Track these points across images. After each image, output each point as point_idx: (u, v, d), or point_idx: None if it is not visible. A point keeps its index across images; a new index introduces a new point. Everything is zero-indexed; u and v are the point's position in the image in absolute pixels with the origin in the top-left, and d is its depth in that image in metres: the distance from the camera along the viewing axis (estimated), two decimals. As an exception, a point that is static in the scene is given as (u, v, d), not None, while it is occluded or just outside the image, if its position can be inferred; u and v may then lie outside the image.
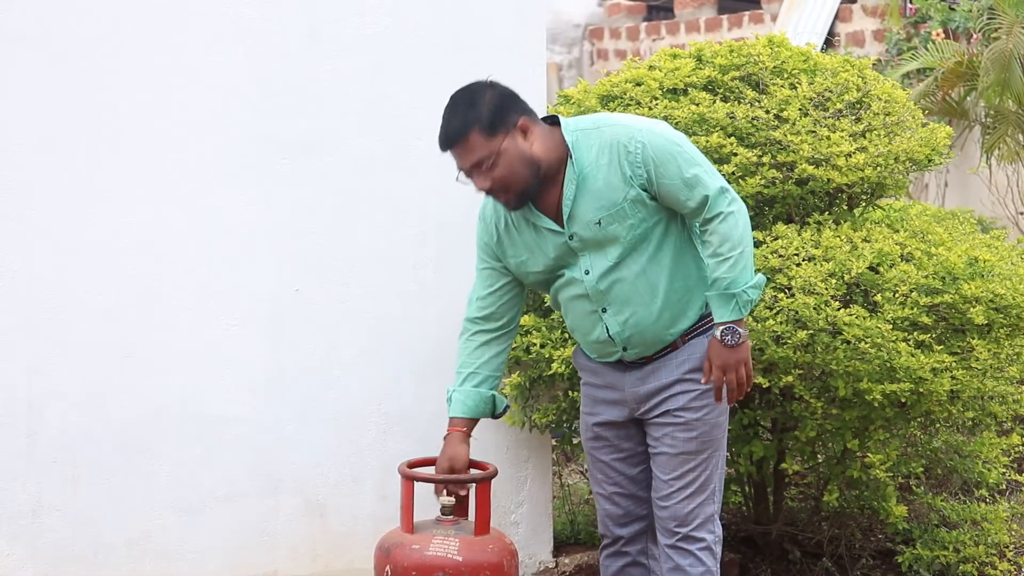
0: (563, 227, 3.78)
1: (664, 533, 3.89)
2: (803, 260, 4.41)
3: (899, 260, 4.45)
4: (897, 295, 4.36)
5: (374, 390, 4.60)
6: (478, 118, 3.69)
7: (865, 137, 4.65)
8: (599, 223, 3.74)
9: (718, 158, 4.50)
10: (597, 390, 3.97)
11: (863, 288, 4.43)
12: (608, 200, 3.73)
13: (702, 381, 3.80)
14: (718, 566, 3.90)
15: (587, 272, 3.80)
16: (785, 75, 4.79)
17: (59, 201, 4.21)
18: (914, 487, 5.39)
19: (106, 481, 4.29)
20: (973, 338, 4.47)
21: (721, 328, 3.71)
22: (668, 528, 3.87)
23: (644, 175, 3.71)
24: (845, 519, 5.14)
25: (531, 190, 3.75)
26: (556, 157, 3.76)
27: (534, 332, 4.49)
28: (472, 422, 3.98)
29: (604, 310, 3.81)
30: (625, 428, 3.95)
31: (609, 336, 3.82)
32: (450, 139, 3.73)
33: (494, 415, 4.02)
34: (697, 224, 3.79)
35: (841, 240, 4.47)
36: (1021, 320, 4.52)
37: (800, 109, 4.65)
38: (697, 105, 4.64)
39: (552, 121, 3.82)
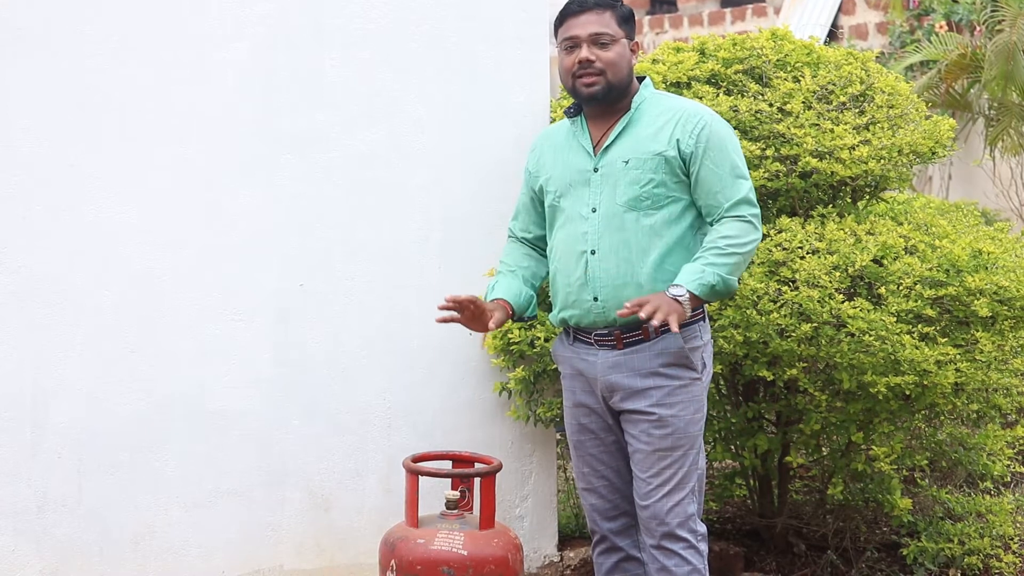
0: (596, 155, 3.90)
1: (648, 533, 3.91)
2: (807, 253, 4.41)
3: (903, 253, 4.45)
4: (901, 288, 4.36)
5: (379, 385, 4.60)
6: (618, 7, 3.92)
7: (869, 130, 4.65)
8: (627, 162, 3.85)
9: (722, 151, 4.50)
10: (572, 380, 4.00)
11: (867, 281, 4.43)
12: (645, 148, 3.85)
13: (629, 307, 3.75)
14: (706, 563, 3.91)
15: (594, 210, 3.86)
16: (788, 68, 4.79)
17: (63, 196, 4.21)
18: (919, 480, 5.39)
19: (111, 476, 4.30)
20: (977, 330, 4.47)
21: (678, 287, 3.73)
22: (650, 528, 3.89)
23: (692, 148, 3.83)
24: (850, 512, 5.14)
25: (615, 92, 3.88)
26: (630, 96, 3.93)
27: (538, 326, 4.49)
28: (511, 307, 4.01)
29: (593, 252, 3.86)
30: (607, 420, 3.96)
31: (586, 279, 3.86)
32: (587, 4, 3.90)
33: (522, 317, 4.06)
34: (713, 217, 3.82)
35: (845, 233, 4.47)
36: (1025, 312, 4.52)
37: (804, 102, 4.65)
38: (700, 98, 4.64)
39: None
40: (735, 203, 3.81)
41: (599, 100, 3.88)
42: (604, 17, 3.87)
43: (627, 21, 3.91)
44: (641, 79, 3.98)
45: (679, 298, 3.72)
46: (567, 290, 3.92)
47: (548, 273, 4.07)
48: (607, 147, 3.88)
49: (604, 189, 3.86)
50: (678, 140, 3.83)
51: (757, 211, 3.85)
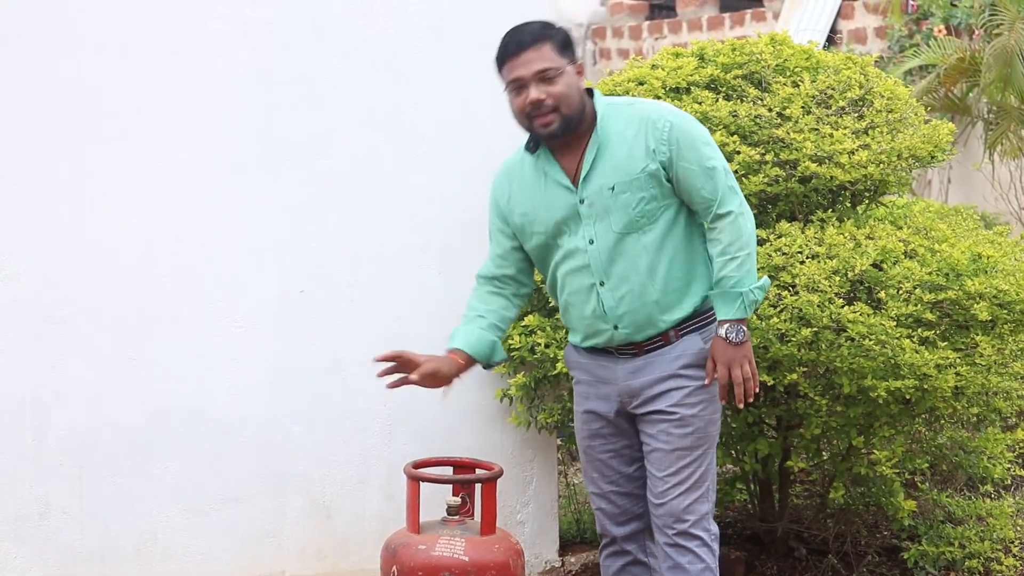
0: (577, 188, 3.81)
1: (661, 532, 3.89)
2: (807, 258, 4.41)
3: (903, 257, 4.46)
4: (901, 292, 4.36)
5: (380, 391, 4.59)
6: (554, 35, 3.79)
7: (868, 134, 4.66)
8: (612, 189, 3.78)
9: (721, 156, 4.50)
10: (588, 386, 3.97)
11: (867, 285, 4.44)
12: (626, 168, 3.78)
13: (706, 382, 3.82)
14: (717, 563, 3.91)
15: (591, 242, 3.82)
16: (787, 73, 4.79)
17: (64, 203, 4.22)
18: (919, 483, 5.39)
19: (113, 483, 4.30)
20: (977, 334, 4.48)
21: (726, 325, 3.74)
22: (665, 526, 3.87)
23: (667, 153, 3.76)
24: (851, 516, 5.15)
25: (574, 122, 3.79)
26: (589, 118, 3.82)
27: (539, 332, 4.50)
28: (469, 359, 3.95)
29: (602, 283, 3.83)
30: (619, 425, 3.95)
31: (603, 311, 3.84)
32: (523, 43, 3.77)
33: (489, 363, 3.99)
34: (706, 220, 3.80)
35: (844, 237, 4.47)
36: (1025, 316, 4.53)
37: (803, 107, 4.65)
38: (700, 104, 4.65)
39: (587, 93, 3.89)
40: (720, 199, 3.75)
41: (559, 136, 3.80)
42: (544, 51, 3.75)
43: (566, 47, 3.78)
44: (590, 91, 3.88)
45: (739, 342, 3.75)
46: (584, 322, 3.89)
47: (517, 313, 4.02)
48: (586, 176, 3.81)
49: (596, 219, 3.80)
50: (653, 150, 3.76)
51: (739, 196, 3.78)
